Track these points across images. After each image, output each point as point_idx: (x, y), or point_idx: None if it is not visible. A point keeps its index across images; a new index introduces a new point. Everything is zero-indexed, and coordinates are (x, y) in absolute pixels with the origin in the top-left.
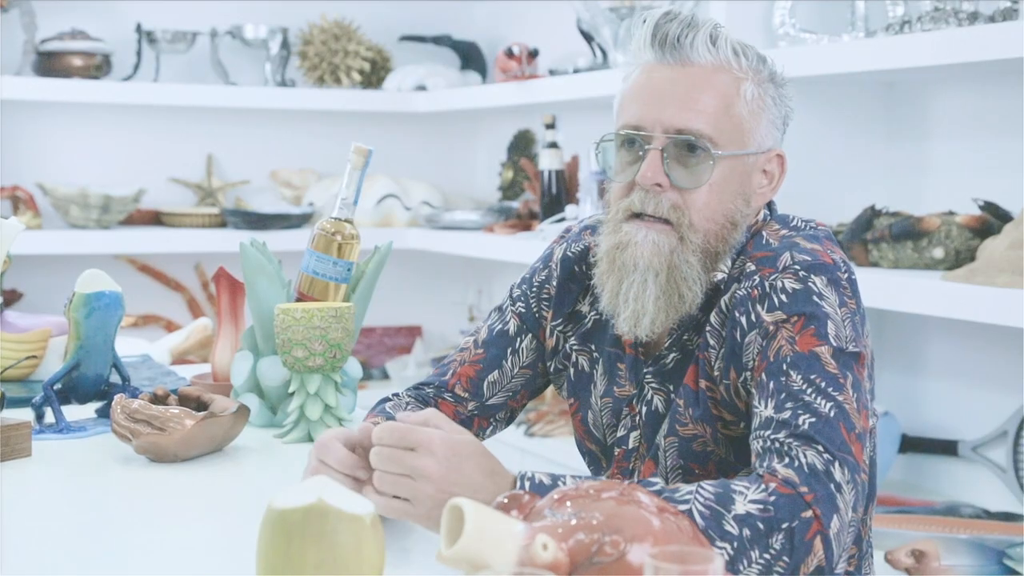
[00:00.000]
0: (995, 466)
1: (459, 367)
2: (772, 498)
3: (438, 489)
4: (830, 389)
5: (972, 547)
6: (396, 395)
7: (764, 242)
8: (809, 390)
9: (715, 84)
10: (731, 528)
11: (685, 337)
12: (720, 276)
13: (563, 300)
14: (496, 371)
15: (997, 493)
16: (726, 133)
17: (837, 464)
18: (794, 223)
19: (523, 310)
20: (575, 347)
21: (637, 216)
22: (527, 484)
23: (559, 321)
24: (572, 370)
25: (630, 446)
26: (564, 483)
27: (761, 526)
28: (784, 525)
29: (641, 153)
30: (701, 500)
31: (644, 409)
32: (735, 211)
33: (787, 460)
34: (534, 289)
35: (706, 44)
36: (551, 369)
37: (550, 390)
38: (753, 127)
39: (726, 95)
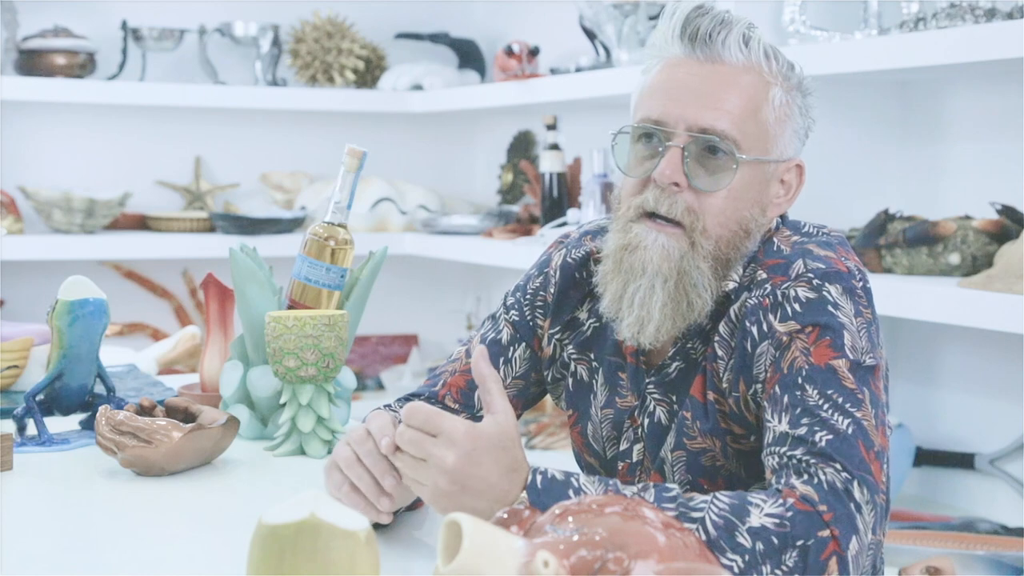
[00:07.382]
0: (1013, 480)
1: (450, 377)
2: (789, 513)
3: (450, 481)
4: (848, 405)
5: (989, 564)
6: (388, 406)
7: (775, 248)
8: (826, 406)
9: (744, 85)
10: (744, 541)
11: (689, 346)
12: (732, 285)
13: (562, 308)
14: None
15: (1015, 508)
16: (751, 137)
17: (856, 483)
18: (806, 229)
19: (516, 318)
20: (573, 356)
21: (649, 216)
22: (539, 478)
23: (557, 329)
24: (570, 380)
25: (634, 459)
26: (577, 481)
27: (775, 541)
28: (799, 542)
29: (661, 149)
30: (715, 510)
31: (647, 421)
32: (750, 219)
33: (806, 477)
34: (528, 297)
35: (739, 43)
36: (548, 379)
37: (551, 402)
38: (778, 134)
39: (754, 98)
